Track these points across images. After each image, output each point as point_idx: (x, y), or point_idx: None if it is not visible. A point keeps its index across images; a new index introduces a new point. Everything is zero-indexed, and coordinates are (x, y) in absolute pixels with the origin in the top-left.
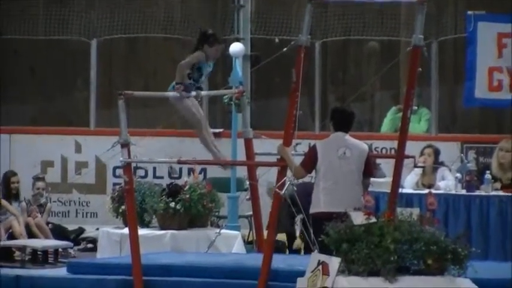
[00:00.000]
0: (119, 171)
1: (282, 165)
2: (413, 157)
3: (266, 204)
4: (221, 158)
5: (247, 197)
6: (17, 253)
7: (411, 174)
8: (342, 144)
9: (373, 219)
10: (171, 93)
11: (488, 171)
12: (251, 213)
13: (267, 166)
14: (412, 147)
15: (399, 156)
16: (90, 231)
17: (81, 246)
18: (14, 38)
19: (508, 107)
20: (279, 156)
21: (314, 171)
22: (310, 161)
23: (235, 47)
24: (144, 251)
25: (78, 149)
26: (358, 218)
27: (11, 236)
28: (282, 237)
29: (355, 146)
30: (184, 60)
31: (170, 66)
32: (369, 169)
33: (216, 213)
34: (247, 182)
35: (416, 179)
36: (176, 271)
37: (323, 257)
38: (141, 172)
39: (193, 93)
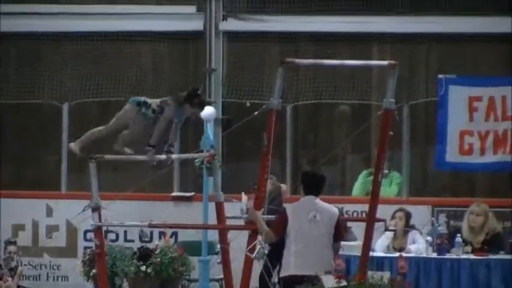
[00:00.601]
0: (90, 235)
1: (253, 228)
2: (384, 220)
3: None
4: None
5: (218, 260)
6: None
7: (382, 238)
8: (312, 208)
9: (344, 283)
10: (142, 157)
11: (459, 235)
12: (222, 276)
13: (238, 229)
14: (383, 211)
15: (370, 220)
16: None
17: None
18: None
19: (479, 170)
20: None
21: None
22: (281, 224)
23: (207, 111)
24: None
25: (49, 212)
26: (329, 282)
27: None
28: None
29: (325, 209)
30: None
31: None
32: (339, 233)
33: (187, 277)
34: (219, 246)
35: (387, 242)
36: None
37: None
38: (112, 236)
39: (164, 156)
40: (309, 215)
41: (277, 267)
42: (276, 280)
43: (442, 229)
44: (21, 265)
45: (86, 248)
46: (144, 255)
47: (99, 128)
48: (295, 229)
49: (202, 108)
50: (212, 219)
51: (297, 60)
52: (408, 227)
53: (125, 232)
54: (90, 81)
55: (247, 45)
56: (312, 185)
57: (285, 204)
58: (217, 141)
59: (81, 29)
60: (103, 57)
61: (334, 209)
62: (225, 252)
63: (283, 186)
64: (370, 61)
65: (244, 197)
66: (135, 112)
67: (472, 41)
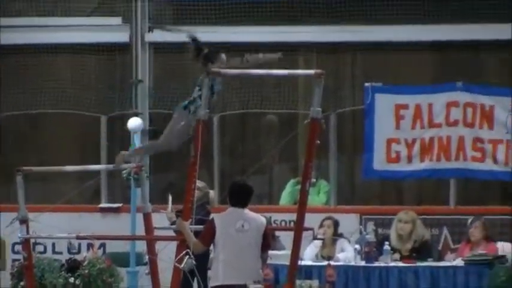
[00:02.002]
0: (18, 247)
1: (181, 239)
2: (312, 229)
3: None
4: None
5: (147, 271)
6: None
7: (310, 246)
8: (239, 218)
9: None
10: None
11: (387, 243)
12: (151, 287)
13: (166, 240)
14: (311, 219)
15: (298, 229)
16: None
17: None
18: None
19: (407, 178)
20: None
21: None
22: (209, 234)
23: (134, 122)
24: None
25: None
26: None
27: None
28: None
29: (253, 219)
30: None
31: (68, 141)
32: (267, 242)
33: None
34: (147, 257)
35: (316, 250)
36: None
37: None
38: (40, 248)
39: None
40: (237, 224)
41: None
42: None
43: (370, 237)
44: None
45: (14, 260)
46: (73, 267)
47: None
48: (223, 239)
49: (214, 58)
50: (140, 231)
51: (223, 71)
52: (336, 235)
53: (53, 244)
54: (16, 94)
55: (174, 56)
56: (240, 195)
57: (212, 214)
58: None
59: (6, 42)
60: (27, 69)
61: (261, 218)
62: (153, 263)
63: (212, 193)
64: (296, 70)
65: (170, 198)
66: (186, 115)
67: (398, 49)
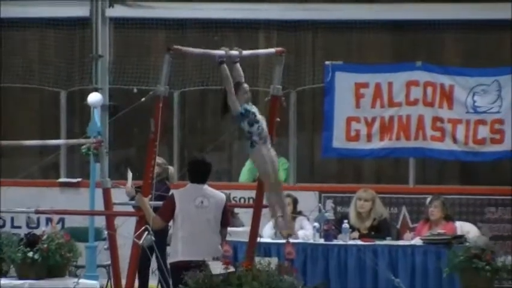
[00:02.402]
0: None
1: (140, 215)
2: None
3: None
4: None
5: (106, 246)
6: None
7: (269, 224)
8: (199, 194)
9: (232, 269)
10: (29, 142)
11: (346, 221)
12: (109, 262)
13: (125, 216)
14: None
15: (257, 206)
16: None
17: None
18: None
19: (366, 157)
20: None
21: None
22: (168, 210)
23: (94, 97)
24: None
25: None
26: (217, 268)
27: None
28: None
29: (213, 195)
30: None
31: (28, 116)
32: (226, 219)
33: (74, 263)
34: (106, 232)
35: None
36: None
37: None
38: None
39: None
40: (196, 200)
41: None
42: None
43: (329, 215)
44: None
45: None
46: (31, 241)
47: None
48: (182, 215)
49: (241, 83)
50: (99, 206)
51: (184, 49)
52: (295, 213)
53: (12, 218)
54: None
55: (134, 32)
56: (199, 172)
57: (172, 190)
58: (104, 128)
59: None
60: None
61: (221, 195)
62: (112, 238)
63: (171, 169)
64: (258, 50)
65: (130, 174)
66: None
67: (359, 28)
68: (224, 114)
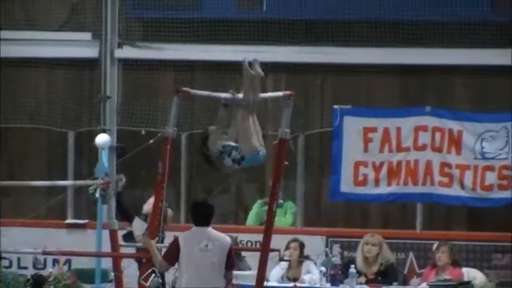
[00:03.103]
0: None
1: (147, 257)
2: (278, 250)
3: None
4: None
5: None
6: None
7: (276, 268)
8: (204, 237)
9: None
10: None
11: (353, 265)
12: None
13: (133, 257)
14: (277, 241)
15: (264, 250)
16: None
17: None
18: None
19: (373, 201)
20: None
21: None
22: (173, 253)
23: (101, 138)
24: None
25: None
26: None
27: None
28: None
29: (217, 238)
30: None
31: (36, 156)
32: (231, 262)
33: None
34: (112, 274)
35: (282, 272)
36: None
37: None
38: (5, 262)
39: None
40: (201, 244)
41: None
42: None
43: (336, 259)
44: None
45: None
46: (38, 282)
47: None
48: (187, 258)
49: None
50: (106, 247)
51: (192, 91)
52: (302, 257)
53: (19, 259)
54: None
55: (143, 73)
56: (201, 214)
57: (177, 233)
58: (111, 169)
59: None
60: None
61: (226, 237)
62: (119, 280)
63: (169, 211)
64: (265, 93)
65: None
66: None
67: (367, 72)
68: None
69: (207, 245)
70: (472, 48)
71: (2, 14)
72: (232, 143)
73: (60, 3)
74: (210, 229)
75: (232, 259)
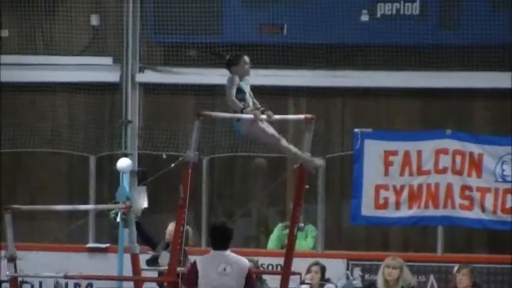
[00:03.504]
0: (5, 286)
1: (169, 280)
2: (299, 274)
3: None
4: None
5: None
6: None
7: None
8: (222, 261)
9: None
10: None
11: None
12: None
13: (154, 281)
14: (298, 264)
15: (286, 273)
16: None
17: None
18: None
19: (394, 225)
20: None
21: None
22: (192, 277)
23: (123, 163)
24: None
25: None
26: None
27: None
28: None
29: (236, 262)
30: (226, 90)
31: (57, 180)
32: (250, 285)
33: None
34: None
35: None
36: None
37: None
38: (27, 286)
39: (264, 116)
40: (219, 268)
41: None
42: None
43: (357, 283)
44: None
45: None
46: None
47: None
48: (205, 282)
49: (242, 56)
50: (127, 271)
51: (214, 114)
52: (323, 280)
53: (40, 283)
54: (4, 132)
55: (164, 97)
56: (220, 238)
57: (196, 257)
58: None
59: None
60: (19, 107)
61: (244, 261)
62: None
63: (190, 231)
64: (287, 115)
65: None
66: None
67: (388, 95)
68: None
69: (225, 269)
70: (491, 71)
71: (23, 39)
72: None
73: (82, 27)
74: (228, 252)
75: (251, 282)
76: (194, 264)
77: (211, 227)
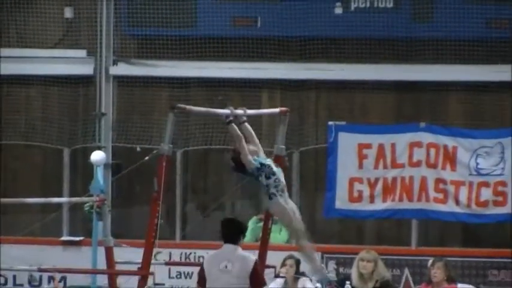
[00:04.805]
0: None
1: (143, 274)
2: (274, 267)
3: None
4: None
5: None
6: None
7: (272, 284)
8: (226, 257)
9: None
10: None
11: (348, 282)
12: None
13: (128, 275)
14: (273, 257)
15: (260, 266)
16: None
17: None
18: None
19: (368, 218)
20: (139, 265)
21: None
22: (202, 277)
23: (97, 155)
24: None
25: None
26: None
27: None
28: None
29: (239, 259)
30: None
31: (31, 173)
32: (256, 280)
33: None
34: None
35: None
36: None
37: None
38: (1, 280)
39: (241, 111)
40: (221, 264)
41: None
42: None
43: (332, 276)
44: None
45: None
46: None
47: None
48: (209, 279)
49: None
50: (102, 264)
51: (188, 107)
52: (298, 273)
53: (14, 276)
54: None
55: (138, 90)
56: (229, 231)
57: (205, 255)
58: (107, 186)
59: None
60: None
61: (249, 258)
62: None
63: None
64: (261, 110)
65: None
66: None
67: (362, 88)
68: (237, 172)
69: (226, 266)
70: (465, 64)
71: None
72: (273, 165)
73: (56, 20)
74: (235, 248)
75: (257, 278)
76: (202, 263)
77: (221, 220)
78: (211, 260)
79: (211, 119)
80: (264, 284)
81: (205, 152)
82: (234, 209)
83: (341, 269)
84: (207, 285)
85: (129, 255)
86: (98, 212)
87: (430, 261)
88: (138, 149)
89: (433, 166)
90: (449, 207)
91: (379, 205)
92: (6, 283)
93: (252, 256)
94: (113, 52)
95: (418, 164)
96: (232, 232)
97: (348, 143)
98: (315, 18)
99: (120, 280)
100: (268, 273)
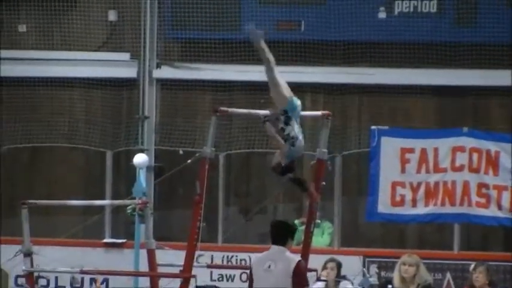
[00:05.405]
0: (21, 280)
1: (185, 276)
2: (315, 270)
3: None
4: None
5: None
6: None
7: (313, 287)
8: (271, 258)
9: None
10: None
11: (390, 285)
12: None
13: (170, 277)
14: (314, 261)
15: None
16: None
17: None
18: None
19: (411, 222)
20: (181, 267)
21: None
22: (250, 276)
23: (139, 158)
24: None
25: None
26: None
27: None
28: None
29: (283, 259)
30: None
31: (74, 175)
32: (298, 281)
33: None
34: None
35: None
36: None
37: None
38: (43, 281)
39: None
40: (265, 264)
41: None
42: None
43: (373, 280)
44: None
45: None
46: None
47: None
48: (255, 279)
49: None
50: (144, 267)
51: (230, 110)
52: (339, 277)
53: (56, 278)
54: (22, 127)
55: (181, 93)
56: (274, 233)
57: (251, 255)
58: (149, 189)
59: (17, 74)
60: (37, 102)
61: (293, 259)
62: None
63: None
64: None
65: None
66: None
67: (405, 93)
68: (284, 175)
69: (269, 266)
70: (508, 69)
71: (41, 34)
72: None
73: (100, 23)
74: (282, 250)
75: (300, 278)
76: (250, 265)
77: (271, 222)
78: (257, 261)
79: (254, 123)
80: (307, 285)
81: (247, 155)
82: (276, 212)
83: (383, 273)
84: (253, 286)
85: (171, 257)
86: (140, 214)
87: (472, 266)
88: (181, 152)
89: (476, 171)
90: (492, 211)
91: (421, 209)
92: (48, 285)
93: (297, 257)
94: (157, 55)
95: (460, 168)
96: (280, 234)
97: (390, 148)
98: (359, 22)
99: (162, 283)
100: (309, 276)
